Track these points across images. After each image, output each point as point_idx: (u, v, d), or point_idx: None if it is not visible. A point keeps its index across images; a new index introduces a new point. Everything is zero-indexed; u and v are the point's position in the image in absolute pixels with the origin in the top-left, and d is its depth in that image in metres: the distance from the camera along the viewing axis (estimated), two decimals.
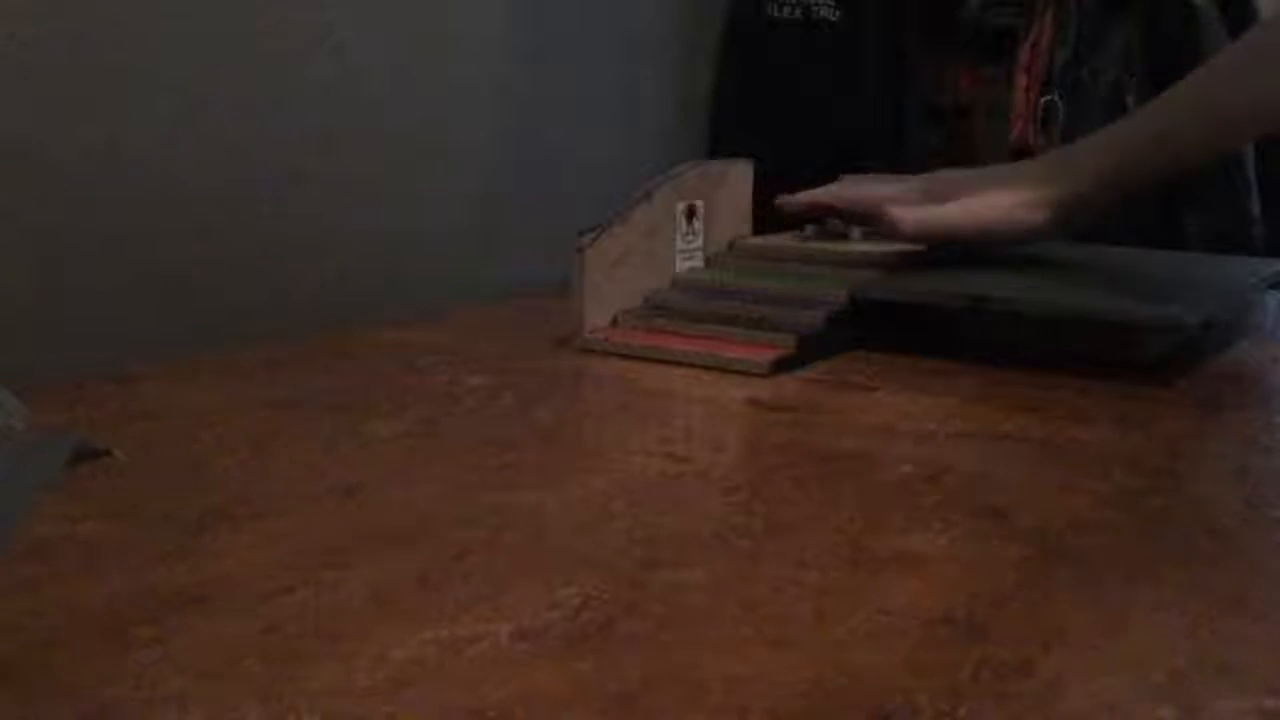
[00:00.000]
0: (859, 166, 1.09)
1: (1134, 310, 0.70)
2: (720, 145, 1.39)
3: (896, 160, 1.41)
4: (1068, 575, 0.42)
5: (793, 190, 0.89)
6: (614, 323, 0.78)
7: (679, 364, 0.72)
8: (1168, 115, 0.80)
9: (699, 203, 0.83)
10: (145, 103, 0.81)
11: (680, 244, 0.83)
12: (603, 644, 0.36)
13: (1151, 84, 1.58)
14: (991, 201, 0.81)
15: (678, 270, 0.83)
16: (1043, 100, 1.59)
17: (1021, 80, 1.43)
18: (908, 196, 0.84)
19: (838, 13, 1.35)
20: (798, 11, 1.35)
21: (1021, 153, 1.63)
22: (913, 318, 0.76)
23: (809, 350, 0.73)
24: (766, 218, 0.91)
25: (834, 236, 0.87)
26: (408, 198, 1.01)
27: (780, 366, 0.71)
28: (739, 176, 0.89)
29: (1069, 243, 1.05)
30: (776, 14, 1.35)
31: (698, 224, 0.84)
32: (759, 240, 0.88)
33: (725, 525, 0.47)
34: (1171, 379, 0.70)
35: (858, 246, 0.84)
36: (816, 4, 1.35)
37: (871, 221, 0.84)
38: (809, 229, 0.88)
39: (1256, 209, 1.58)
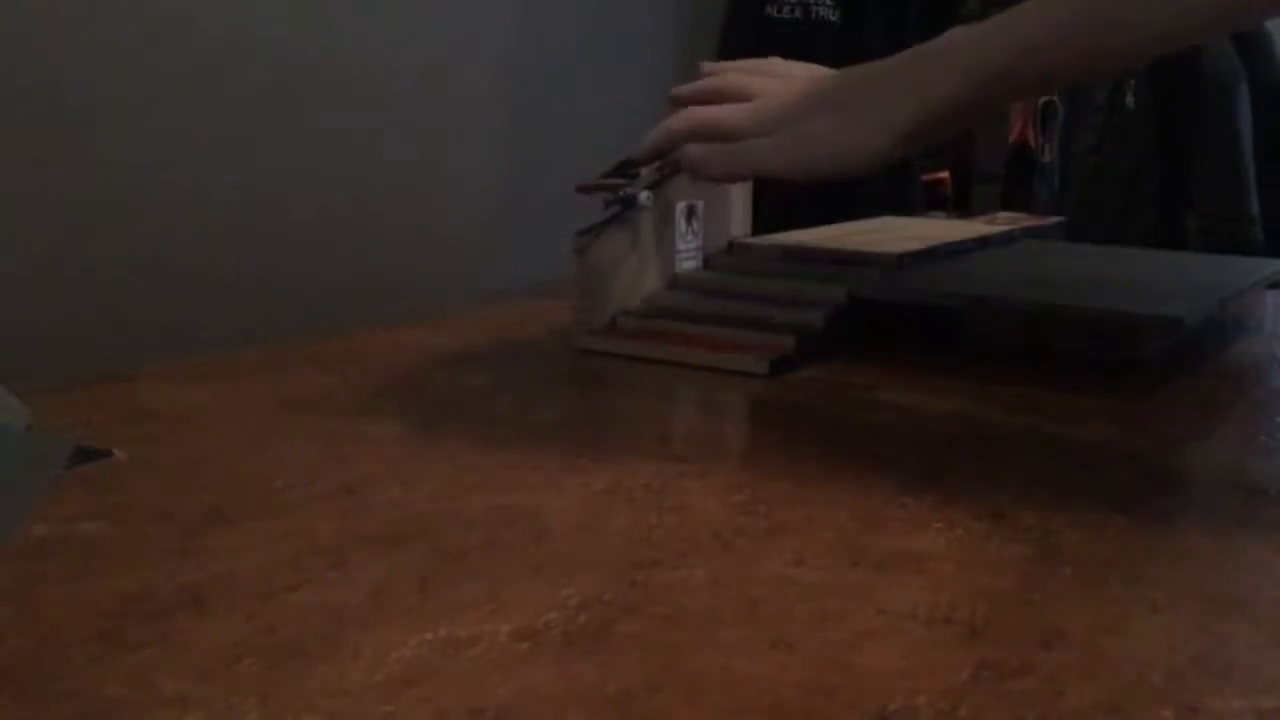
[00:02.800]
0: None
1: (1133, 309, 0.70)
2: None
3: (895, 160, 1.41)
4: (1068, 575, 0.42)
5: (792, 191, 0.89)
6: (614, 323, 0.78)
7: (678, 364, 0.72)
8: (1041, 25, 0.64)
9: (699, 203, 0.83)
10: (146, 103, 0.81)
11: (680, 244, 0.83)
12: (603, 644, 0.36)
13: (1150, 84, 1.59)
14: (820, 134, 0.67)
15: (678, 270, 0.83)
16: (1042, 100, 1.60)
17: None
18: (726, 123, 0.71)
19: (837, 13, 1.36)
20: (798, 11, 1.35)
21: (1021, 153, 1.63)
22: (913, 318, 0.76)
23: (809, 350, 0.73)
24: (766, 218, 0.91)
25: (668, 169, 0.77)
26: (408, 198, 1.01)
27: (780, 366, 0.71)
28: None
29: (1068, 243, 1.05)
30: (776, 14, 1.35)
31: (697, 224, 0.84)
32: (759, 240, 0.88)
33: (725, 525, 0.47)
34: (1171, 379, 0.70)
35: (858, 246, 0.84)
36: (816, 4, 1.35)
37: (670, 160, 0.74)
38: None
39: (1256, 209, 1.58)
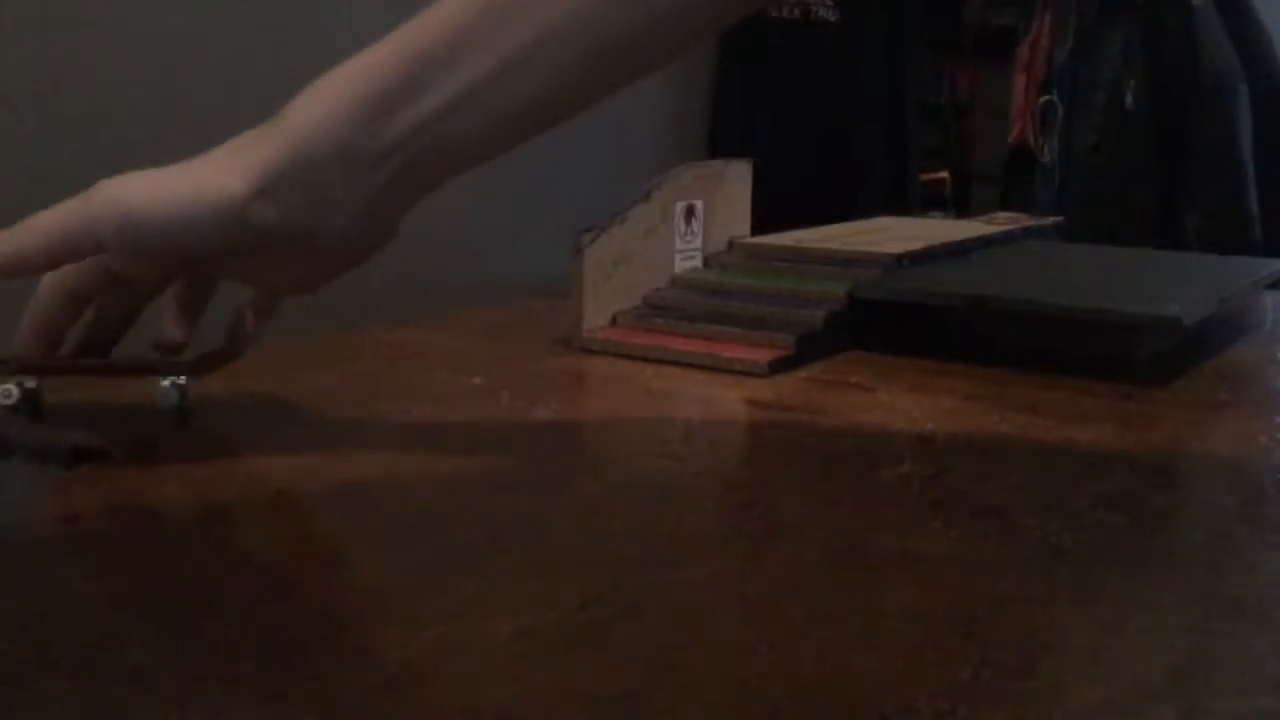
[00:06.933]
0: (859, 165, 1.09)
1: (1133, 310, 0.70)
2: (719, 145, 1.39)
3: (896, 160, 1.41)
4: (1068, 575, 0.42)
5: (792, 189, 0.89)
6: (613, 323, 0.78)
7: (678, 364, 0.72)
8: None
9: (698, 203, 0.83)
10: (141, 104, 0.81)
11: (679, 244, 0.83)
12: (603, 644, 0.36)
13: (1151, 84, 1.59)
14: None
15: (677, 270, 0.83)
16: (1041, 100, 1.60)
17: (1020, 80, 1.43)
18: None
19: (837, 13, 1.36)
20: (797, 11, 1.35)
21: (1020, 153, 1.63)
22: (913, 318, 0.76)
23: (808, 350, 0.73)
24: (766, 217, 0.91)
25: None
26: None
27: (779, 366, 0.71)
28: (738, 176, 0.89)
29: (1068, 243, 1.05)
30: (776, 14, 1.35)
31: (697, 224, 0.84)
32: (758, 240, 0.88)
33: (725, 525, 0.47)
34: (1171, 379, 0.70)
35: (858, 246, 0.84)
36: (816, 4, 1.35)
37: None
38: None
39: (1256, 209, 1.58)
